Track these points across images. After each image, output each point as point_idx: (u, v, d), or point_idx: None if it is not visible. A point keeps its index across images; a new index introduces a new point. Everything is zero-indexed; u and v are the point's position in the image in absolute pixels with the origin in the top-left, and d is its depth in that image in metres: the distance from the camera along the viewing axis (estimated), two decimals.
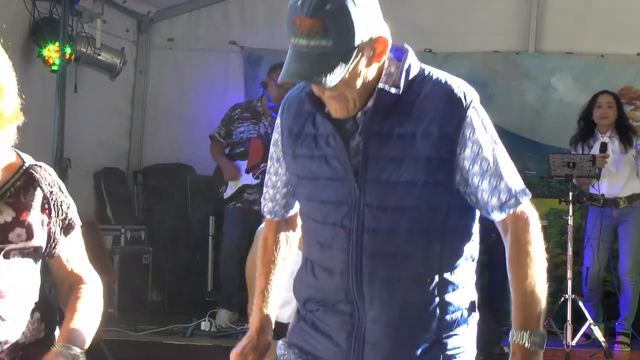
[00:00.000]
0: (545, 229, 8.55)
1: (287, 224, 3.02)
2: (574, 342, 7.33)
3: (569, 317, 7.38)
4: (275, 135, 2.86)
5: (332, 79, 2.48)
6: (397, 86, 2.61)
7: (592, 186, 7.86)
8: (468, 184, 2.65)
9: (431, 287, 2.66)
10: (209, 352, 7.18)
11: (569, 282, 7.55)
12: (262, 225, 4.32)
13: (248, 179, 8.22)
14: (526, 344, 2.62)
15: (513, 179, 2.68)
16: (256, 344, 2.88)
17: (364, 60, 2.54)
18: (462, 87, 2.64)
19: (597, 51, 9.23)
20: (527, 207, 2.69)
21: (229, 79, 9.94)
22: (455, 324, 2.72)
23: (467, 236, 2.75)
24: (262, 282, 2.95)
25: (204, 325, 7.88)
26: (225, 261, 8.31)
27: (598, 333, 7.33)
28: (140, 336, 7.66)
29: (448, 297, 2.69)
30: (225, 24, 9.99)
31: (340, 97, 2.58)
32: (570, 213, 7.68)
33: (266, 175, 2.98)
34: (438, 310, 2.68)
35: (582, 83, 9.28)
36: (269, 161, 2.93)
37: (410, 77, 2.64)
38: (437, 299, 2.67)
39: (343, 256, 2.67)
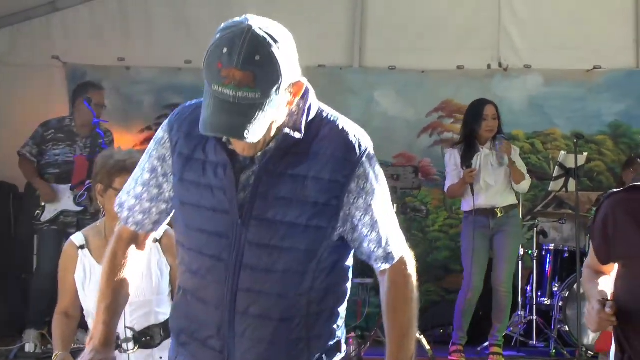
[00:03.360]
0: None
1: (139, 242, 2.91)
2: None
3: None
4: (163, 151, 2.74)
5: (258, 132, 2.43)
6: (299, 130, 2.59)
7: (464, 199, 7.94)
8: (356, 233, 2.68)
9: (300, 326, 2.69)
10: None
11: None
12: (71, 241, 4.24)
13: (67, 205, 8.10)
14: None
15: (397, 232, 2.76)
16: (103, 358, 2.78)
17: (282, 106, 2.51)
18: (357, 135, 2.65)
19: (418, 66, 9.47)
20: (407, 257, 2.78)
21: (52, 95, 9.71)
22: None
23: (340, 276, 2.78)
24: (109, 297, 2.84)
25: (29, 347, 7.66)
26: (38, 280, 8.12)
27: (424, 341, 7.47)
28: None
29: (316, 335, 2.72)
30: (47, 38, 9.76)
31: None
32: None
33: (137, 185, 2.81)
34: (305, 349, 2.71)
35: (405, 97, 9.50)
36: (146, 173, 2.78)
37: (310, 118, 2.63)
38: (305, 338, 2.70)
39: (218, 289, 2.64)
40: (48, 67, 9.59)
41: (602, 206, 3.11)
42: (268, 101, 2.42)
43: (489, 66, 9.51)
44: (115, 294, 2.85)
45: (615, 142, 9.40)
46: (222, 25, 2.47)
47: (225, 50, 2.39)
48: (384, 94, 9.56)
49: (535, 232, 8.47)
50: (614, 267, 3.16)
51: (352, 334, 7.51)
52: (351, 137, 2.63)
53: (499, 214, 7.80)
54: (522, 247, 8.32)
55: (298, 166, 2.58)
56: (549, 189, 8.54)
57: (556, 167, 8.32)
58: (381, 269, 2.76)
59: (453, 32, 9.50)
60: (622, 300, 3.02)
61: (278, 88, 2.43)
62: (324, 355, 2.76)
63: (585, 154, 8.47)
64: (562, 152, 8.39)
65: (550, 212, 8.73)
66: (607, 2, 9.55)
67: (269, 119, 2.46)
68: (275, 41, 2.44)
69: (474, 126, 7.90)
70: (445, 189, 8.09)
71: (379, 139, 9.10)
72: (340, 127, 2.64)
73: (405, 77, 9.54)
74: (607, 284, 3.14)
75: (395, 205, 7.69)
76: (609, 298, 3.04)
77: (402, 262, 2.77)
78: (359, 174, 2.62)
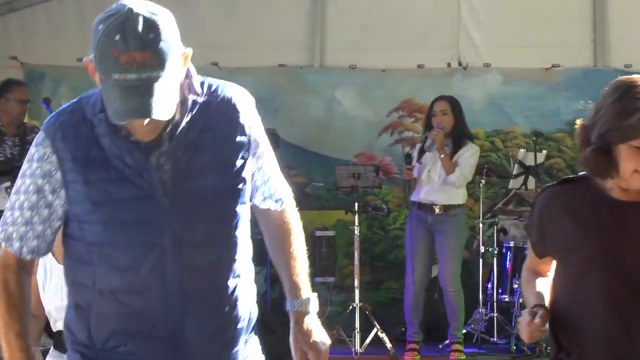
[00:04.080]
0: (333, 239, 8.69)
1: (26, 266, 2.76)
2: (362, 349, 7.51)
3: (357, 325, 7.55)
4: (47, 166, 2.64)
5: (169, 107, 2.47)
6: (199, 95, 2.65)
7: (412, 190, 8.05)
8: (257, 180, 2.80)
9: (243, 289, 2.75)
10: None
11: (357, 291, 7.73)
12: None
13: (3, 204, 7.95)
14: (308, 309, 2.87)
15: (281, 175, 2.92)
16: None
17: (179, 77, 2.54)
18: (242, 93, 2.77)
19: (379, 65, 9.49)
20: (291, 197, 2.96)
21: None
22: (253, 325, 2.84)
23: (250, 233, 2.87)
24: (16, 325, 2.70)
25: None
26: None
27: (385, 339, 7.50)
28: None
29: (253, 295, 2.82)
30: (5, 39, 9.67)
31: (156, 120, 2.51)
32: (356, 223, 7.85)
33: (24, 211, 2.68)
34: (249, 309, 2.79)
35: (365, 96, 9.52)
36: (31, 195, 2.66)
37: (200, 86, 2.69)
38: (247, 300, 2.78)
39: (158, 276, 2.61)
40: (5, 67, 9.48)
41: (537, 201, 3.16)
42: (169, 75, 2.46)
43: (449, 65, 9.54)
44: (22, 322, 2.73)
45: (574, 139, 9.43)
46: (100, 16, 2.47)
47: (117, 37, 2.40)
48: (345, 93, 9.56)
49: (495, 229, 8.52)
50: (552, 267, 3.18)
51: None
52: (237, 96, 2.75)
53: (437, 211, 7.82)
54: (482, 245, 8.37)
55: (205, 134, 2.64)
56: (509, 186, 8.60)
57: (516, 164, 8.39)
58: (281, 209, 2.90)
59: (413, 30, 9.52)
60: (559, 297, 3.05)
61: (173, 59, 2.47)
62: (254, 311, 2.85)
63: (545, 151, 8.56)
64: (522, 150, 8.46)
65: (510, 210, 8.78)
66: (566, 1, 9.62)
67: (173, 92, 2.50)
68: (159, 16, 2.47)
69: (428, 122, 7.99)
70: None
71: (339, 138, 9.35)
72: (226, 90, 2.74)
73: (366, 76, 9.55)
74: (544, 285, 3.15)
75: (356, 204, 7.86)
76: (547, 298, 3.06)
77: (290, 202, 2.95)
78: (253, 125, 2.75)
